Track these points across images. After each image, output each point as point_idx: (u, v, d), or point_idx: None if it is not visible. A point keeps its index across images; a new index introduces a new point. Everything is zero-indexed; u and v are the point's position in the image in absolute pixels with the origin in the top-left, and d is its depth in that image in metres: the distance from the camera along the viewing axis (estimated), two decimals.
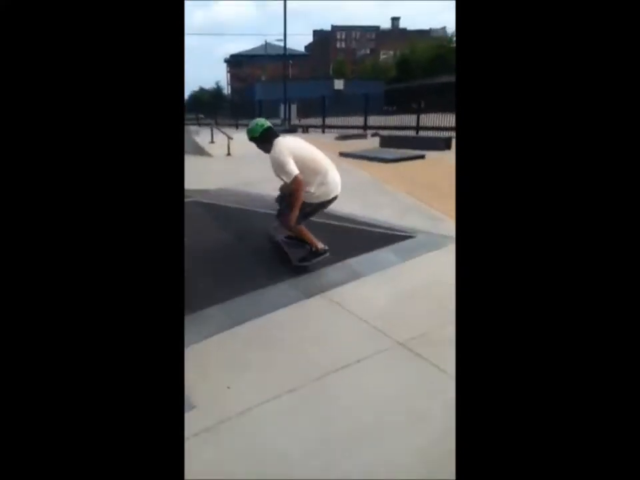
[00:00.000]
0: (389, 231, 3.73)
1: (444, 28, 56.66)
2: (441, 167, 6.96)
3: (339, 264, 3.09)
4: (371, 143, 11.06)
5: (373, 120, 14.70)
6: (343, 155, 9.18)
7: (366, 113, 14.46)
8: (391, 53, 61.51)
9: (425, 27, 61.70)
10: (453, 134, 10.73)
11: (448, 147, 9.35)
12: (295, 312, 2.53)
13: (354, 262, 3.13)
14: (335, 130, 15.44)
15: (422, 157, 8.20)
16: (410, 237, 3.56)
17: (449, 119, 11.50)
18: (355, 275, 2.95)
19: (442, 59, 43.26)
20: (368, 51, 68.58)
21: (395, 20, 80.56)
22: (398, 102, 15.18)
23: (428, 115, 12.45)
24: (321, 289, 2.76)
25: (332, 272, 3.00)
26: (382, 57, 62.93)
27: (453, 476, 0.83)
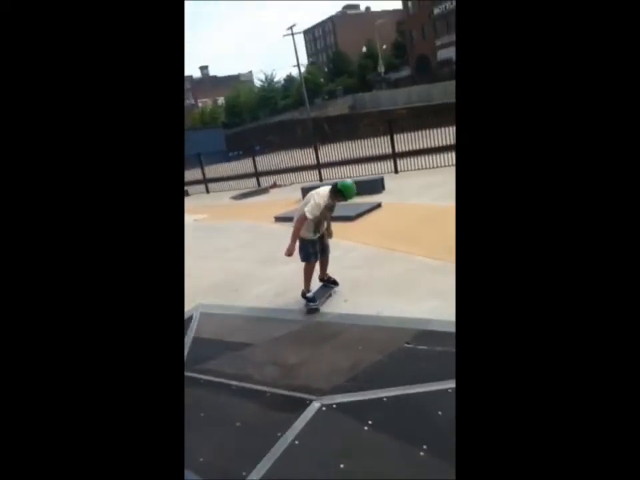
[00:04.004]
0: None
1: (250, 72, 60.12)
2: (412, 212, 5.96)
3: None
4: (283, 198, 9.47)
5: (233, 167, 13.93)
6: (279, 220, 7.31)
7: (254, 159, 12.74)
8: (206, 100, 61.66)
9: (233, 72, 63.86)
10: (352, 170, 10.15)
11: (383, 188, 8.51)
12: None
13: None
14: (213, 185, 13.35)
15: (379, 205, 7.07)
16: None
17: (326, 154, 11.10)
18: None
19: (265, 100, 45.15)
20: (192, 101, 66.77)
21: (204, 68, 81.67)
22: (240, 146, 15.28)
23: (278, 153, 12.30)
24: None
25: None
26: (200, 104, 62.29)
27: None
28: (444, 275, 3.75)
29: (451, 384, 2.02)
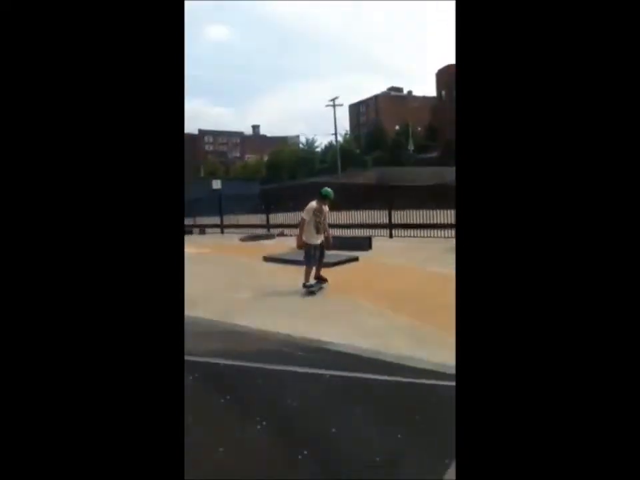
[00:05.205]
0: (450, 382, 2.71)
1: (297, 136, 64.37)
2: (380, 268, 6.52)
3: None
4: (282, 244, 10.31)
5: (260, 218, 14.59)
6: (267, 259, 8.07)
7: (268, 212, 13.90)
8: (253, 156, 65.89)
9: (282, 134, 68.75)
10: (362, 231, 10.90)
11: (370, 247, 9.18)
12: None
13: None
14: (230, 229, 14.45)
15: (356, 258, 7.71)
16: None
17: (341, 216, 11.84)
18: None
19: (303, 161, 48.07)
20: (238, 154, 72.14)
21: (256, 127, 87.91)
22: (273, 201, 15.53)
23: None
24: None
25: None
26: (247, 159, 66.71)
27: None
28: (368, 315, 4.29)
29: (262, 364, 2.80)
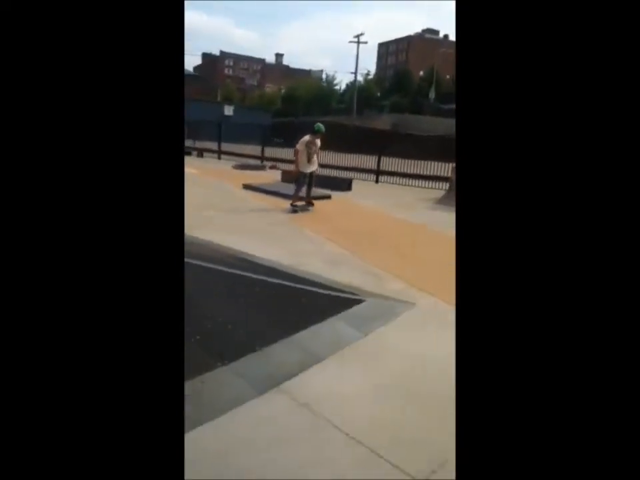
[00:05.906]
0: (331, 292, 3.31)
1: (322, 71, 61.59)
2: (347, 207, 6.99)
3: (288, 341, 2.54)
4: (270, 176, 10.75)
5: (265, 151, 14.73)
6: (247, 187, 8.57)
7: (263, 144, 14.17)
8: (272, 86, 63.66)
9: (306, 67, 65.63)
10: (348, 173, 11.21)
11: (349, 188, 9.57)
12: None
13: (305, 338, 2.60)
14: (229, 156, 14.80)
15: (328, 196, 8.15)
16: (358, 300, 3.19)
17: (341, 158, 12.09)
18: (312, 358, 2.42)
19: (321, 98, 46.53)
20: (255, 82, 69.76)
21: (279, 56, 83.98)
22: (285, 135, 15.53)
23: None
24: (277, 381, 2.15)
25: (283, 355, 2.42)
26: (266, 88, 64.51)
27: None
28: (305, 241, 4.86)
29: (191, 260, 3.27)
